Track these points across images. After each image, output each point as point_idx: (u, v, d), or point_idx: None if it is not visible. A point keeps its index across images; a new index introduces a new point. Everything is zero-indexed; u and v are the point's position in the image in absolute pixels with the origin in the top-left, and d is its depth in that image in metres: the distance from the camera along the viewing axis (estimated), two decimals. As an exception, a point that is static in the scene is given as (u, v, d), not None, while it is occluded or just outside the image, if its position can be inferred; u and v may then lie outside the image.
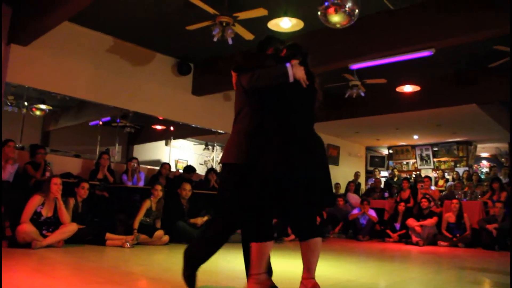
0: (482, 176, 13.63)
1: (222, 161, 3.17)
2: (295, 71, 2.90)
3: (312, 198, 2.78)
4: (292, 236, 8.57)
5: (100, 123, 8.67)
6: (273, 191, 2.72)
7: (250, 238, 2.83)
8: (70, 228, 5.39)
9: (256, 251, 2.78)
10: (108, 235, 5.84)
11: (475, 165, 15.04)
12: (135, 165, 7.87)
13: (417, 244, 8.54)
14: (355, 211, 9.97)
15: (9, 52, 6.99)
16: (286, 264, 5.02)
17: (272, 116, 2.92)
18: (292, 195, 2.71)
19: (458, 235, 8.59)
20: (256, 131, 2.97)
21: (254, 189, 2.78)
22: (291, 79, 2.87)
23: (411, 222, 8.90)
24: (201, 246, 3.13)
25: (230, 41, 6.27)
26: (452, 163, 14.83)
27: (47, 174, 6.52)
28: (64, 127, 8.97)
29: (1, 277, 3.13)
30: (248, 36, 6.50)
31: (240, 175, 2.96)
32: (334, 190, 12.44)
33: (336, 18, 5.11)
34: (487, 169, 14.84)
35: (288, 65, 2.91)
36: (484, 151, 16.27)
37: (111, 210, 6.94)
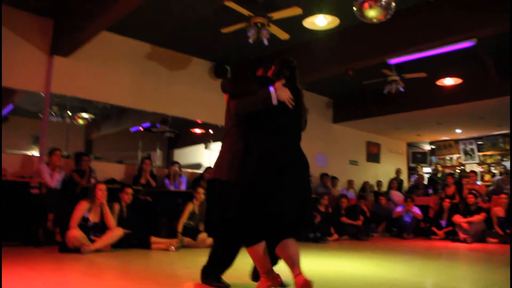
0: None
1: (214, 176, 3.36)
2: (279, 93, 3.03)
3: (285, 217, 2.97)
4: (335, 236, 8.51)
5: (141, 129, 8.83)
6: (251, 203, 2.94)
7: (244, 245, 3.05)
8: (116, 232, 5.52)
9: (251, 254, 3.01)
10: (153, 238, 5.95)
11: (524, 158, 14.48)
12: (177, 169, 7.98)
13: (464, 241, 8.29)
14: (399, 209, 9.79)
15: (52, 64, 7.22)
16: (327, 263, 4.98)
17: (258, 136, 3.09)
18: (264, 209, 2.93)
19: (508, 230, 8.29)
20: (245, 150, 3.12)
21: (236, 200, 3.02)
22: (274, 102, 3.01)
23: (458, 218, 8.66)
24: (217, 263, 3.36)
25: (265, 42, 6.27)
26: (499, 157, 14.31)
27: (92, 180, 6.69)
28: (106, 135, 9.17)
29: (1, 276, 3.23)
30: (283, 36, 6.48)
31: (232, 190, 3.13)
32: (376, 188, 12.27)
33: (372, 13, 5.04)
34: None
35: (271, 89, 3.03)
36: (533, 142, 15.66)
37: (154, 214, 7.06)
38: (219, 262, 3.38)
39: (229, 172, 3.19)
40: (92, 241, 5.32)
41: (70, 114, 7.76)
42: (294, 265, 2.95)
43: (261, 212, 2.95)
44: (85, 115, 8.27)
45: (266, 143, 3.05)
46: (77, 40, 6.80)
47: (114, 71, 7.96)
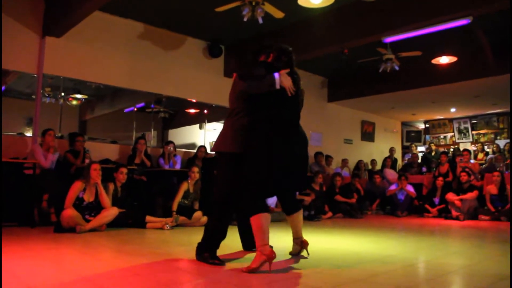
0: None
1: (217, 149, 3.62)
2: (282, 79, 3.38)
3: (289, 184, 3.42)
4: (329, 214, 8.59)
5: (135, 109, 8.80)
6: (261, 175, 3.24)
7: (248, 215, 3.23)
8: (111, 212, 5.55)
9: (254, 223, 3.16)
10: (148, 218, 5.98)
11: (518, 137, 14.56)
12: (172, 148, 7.98)
13: (457, 218, 8.38)
14: (393, 187, 9.86)
15: (44, 45, 7.15)
16: (321, 240, 5.02)
17: (262, 115, 3.39)
18: (274, 180, 3.28)
19: (500, 208, 8.39)
20: (249, 126, 3.44)
21: (246, 172, 3.30)
22: (277, 87, 3.35)
23: (451, 196, 8.74)
24: (212, 235, 3.51)
25: (260, 21, 6.21)
26: (492, 136, 14.40)
27: (87, 161, 6.70)
28: (100, 115, 9.13)
29: (1, 262, 3.25)
30: (278, 14, 6.42)
31: (236, 162, 3.45)
32: (370, 167, 12.35)
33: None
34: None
35: (276, 76, 3.36)
36: (527, 121, 15.71)
37: (149, 193, 7.09)
38: (213, 238, 3.49)
39: (233, 145, 3.48)
40: (87, 221, 5.34)
41: (63, 95, 7.71)
42: (296, 231, 3.75)
43: (266, 182, 3.25)
44: (78, 96, 8.22)
45: (269, 123, 3.34)
46: (70, 20, 6.71)
47: (107, 51, 7.89)
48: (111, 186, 6.10)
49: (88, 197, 5.51)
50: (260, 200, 3.26)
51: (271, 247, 3.11)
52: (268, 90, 3.35)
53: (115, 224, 5.62)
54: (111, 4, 6.86)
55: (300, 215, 3.75)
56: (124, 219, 5.82)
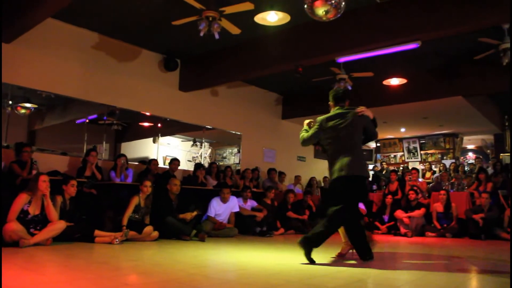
0: (467, 168, 13.78)
1: (359, 173, 4.65)
2: None
3: None
4: (281, 230, 8.62)
5: (87, 121, 8.59)
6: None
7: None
8: (58, 225, 5.34)
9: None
10: (96, 232, 5.80)
11: (462, 157, 15.19)
12: (124, 162, 7.83)
13: (405, 235, 8.61)
14: (344, 204, 9.99)
15: (-8, 50, 6.89)
16: (271, 256, 5.05)
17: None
18: None
19: (445, 225, 8.69)
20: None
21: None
22: None
23: (399, 213, 8.98)
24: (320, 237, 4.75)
25: (216, 36, 6.25)
26: (439, 156, 14.96)
27: (34, 172, 6.46)
28: (50, 126, 8.85)
29: (1, 275, 3.10)
30: (234, 30, 6.48)
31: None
32: (323, 184, 12.54)
33: (322, 11, 5.12)
34: (473, 161, 15.00)
35: None
36: (470, 143, 16.45)
37: (99, 207, 6.90)
38: (321, 237, 4.68)
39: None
40: (32, 234, 5.13)
41: (11, 103, 7.44)
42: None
43: None
44: (28, 105, 7.95)
45: None
46: (21, 26, 6.51)
47: (60, 60, 7.70)
48: (59, 199, 5.88)
49: (34, 210, 5.30)
50: None
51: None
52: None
53: (61, 238, 5.41)
54: (65, 12, 6.74)
55: None
56: (72, 233, 5.63)
